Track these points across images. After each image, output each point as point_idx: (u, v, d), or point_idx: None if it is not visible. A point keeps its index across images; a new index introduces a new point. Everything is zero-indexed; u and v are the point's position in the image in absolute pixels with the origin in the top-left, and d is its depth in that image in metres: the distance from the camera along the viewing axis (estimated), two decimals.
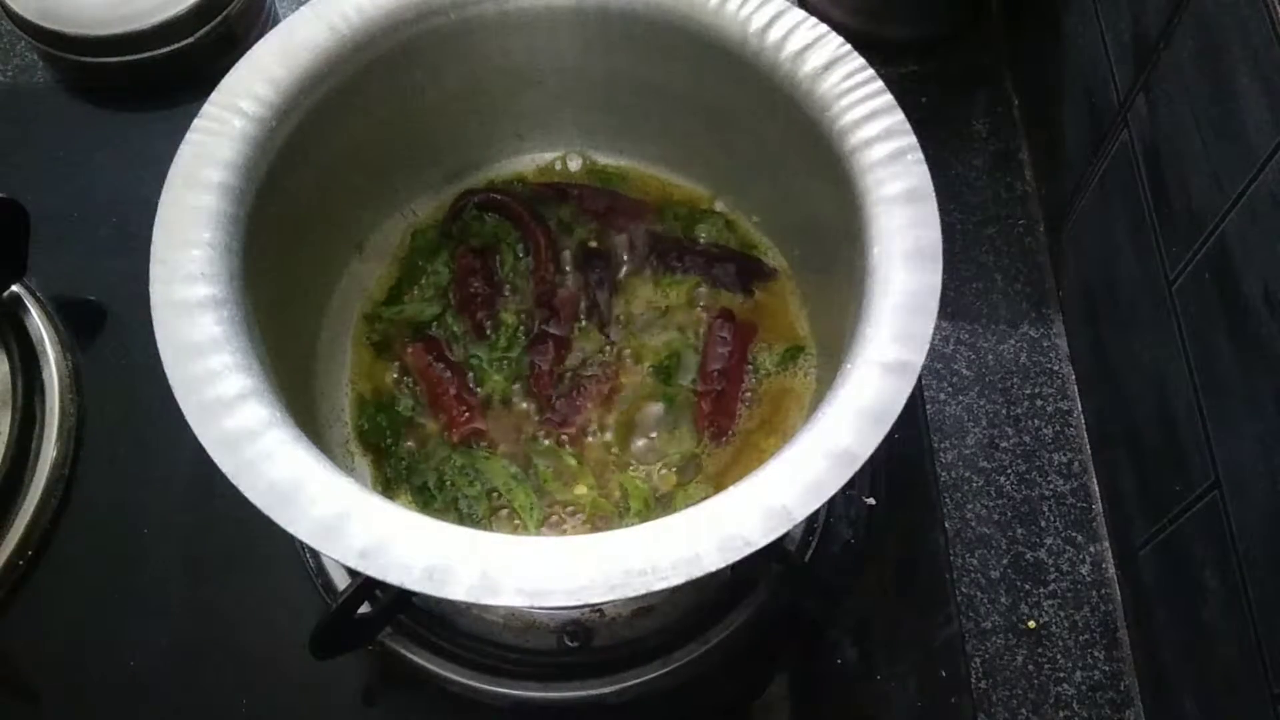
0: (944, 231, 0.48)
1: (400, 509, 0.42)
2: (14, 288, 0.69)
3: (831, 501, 0.63)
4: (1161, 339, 0.59)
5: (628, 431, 0.59)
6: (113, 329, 0.71)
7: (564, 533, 0.56)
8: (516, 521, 0.57)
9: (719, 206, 0.65)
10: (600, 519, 0.57)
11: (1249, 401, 0.50)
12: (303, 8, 0.53)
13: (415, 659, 0.60)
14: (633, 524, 0.43)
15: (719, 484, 0.58)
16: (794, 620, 0.63)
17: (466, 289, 0.63)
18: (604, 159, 0.66)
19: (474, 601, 0.40)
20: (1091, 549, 0.66)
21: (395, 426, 0.59)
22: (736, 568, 0.41)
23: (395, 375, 0.61)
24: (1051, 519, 0.67)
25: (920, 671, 0.62)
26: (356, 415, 0.60)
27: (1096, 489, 0.68)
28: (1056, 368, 0.71)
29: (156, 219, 0.47)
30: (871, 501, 0.66)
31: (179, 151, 0.49)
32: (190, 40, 0.76)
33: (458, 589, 0.40)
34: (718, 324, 0.61)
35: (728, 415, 0.59)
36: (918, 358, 0.45)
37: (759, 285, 0.63)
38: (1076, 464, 0.68)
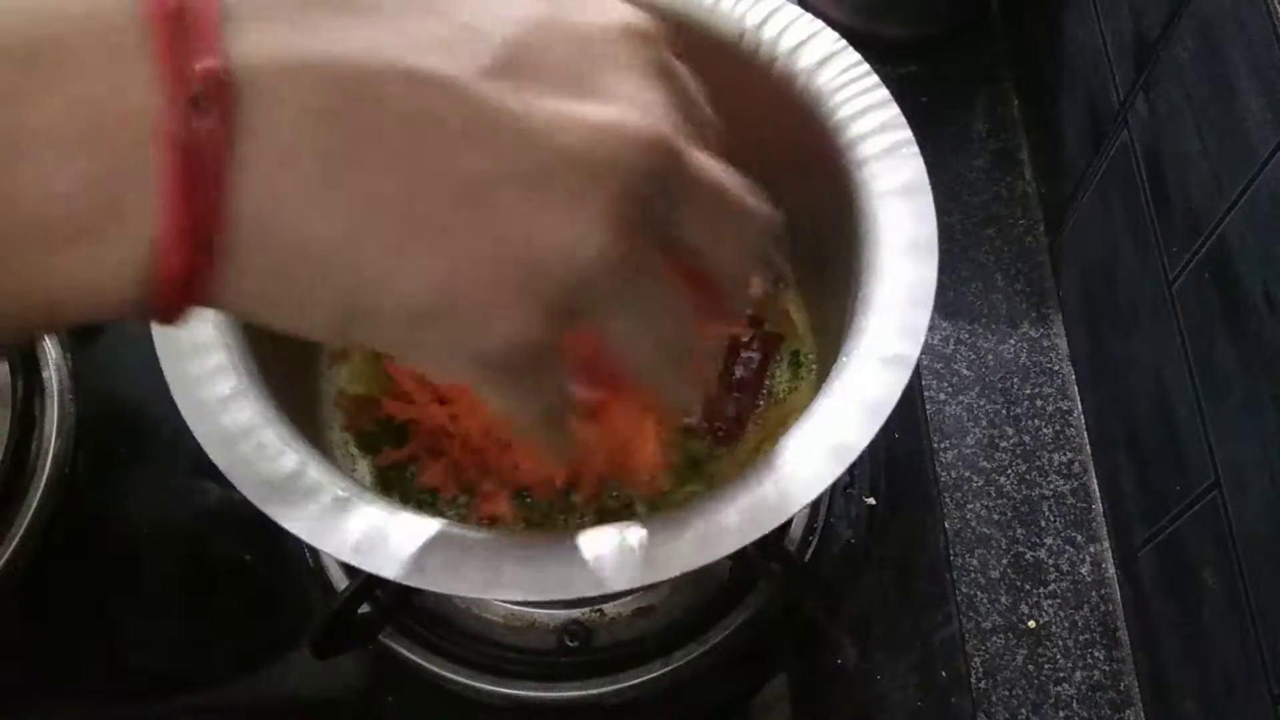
0: (944, 231, 0.47)
1: (399, 508, 0.42)
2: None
3: (831, 501, 0.63)
4: (1161, 339, 0.59)
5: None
6: (113, 329, 0.71)
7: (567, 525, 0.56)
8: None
9: None
10: (605, 517, 0.57)
11: (1249, 401, 0.50)
12: None
13: (415, 659, 0.60)
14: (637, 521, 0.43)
15: (714, 481, 0.58)
16: (794, 620, 0.63)
17: None
18: None
19: (474, 599, 0.40)
20: (1091, 549, 0.66)
21: (392, 428, 0.59)
22: (736, 568, 0.41)
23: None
24: (1051, 519, 0.67)
25: (920, 671, 0.62)
26: (356, 415, 0.60)
27: (1096, 489, 0.68)
28: (1056, 368, 0.71)
29: None
30: (871, 501, 0.66)
31: None
32: None
33: (458, 586, 0.40)
34: (745, 332, 0.61)
35: (740, 424, 0.59)
36: (914, 350, 0.44)
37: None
38: (1076, 464, 0.68)
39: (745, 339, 0.60)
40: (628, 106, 0.26)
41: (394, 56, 0.24)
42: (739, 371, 0.60)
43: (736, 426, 0.59)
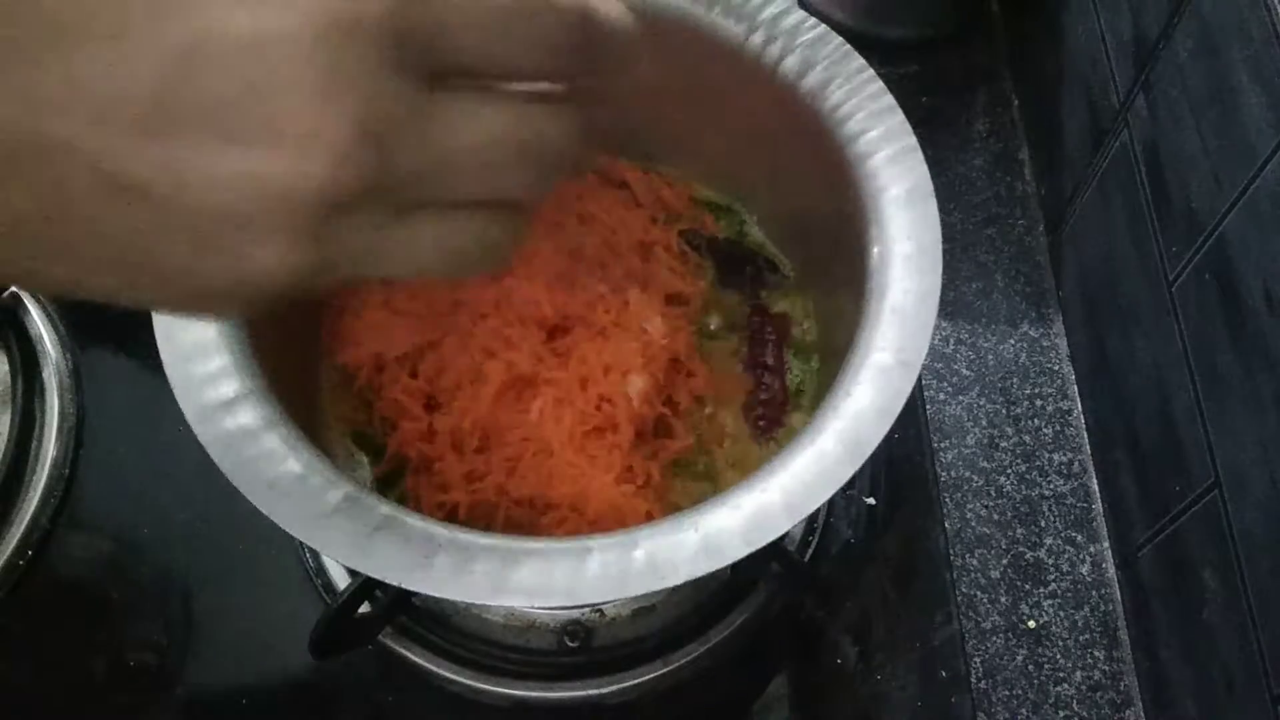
0: (944, 231, 0.48)
1: (398, 507, 0.42)
2: (14, 287, 0.69)
3: (831, 501, 0.63)
4: (1161, 339, 0.59)
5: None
6: (113, 329, 0.71)
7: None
8: None
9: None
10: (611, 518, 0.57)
11: (1249, 401, 0.50)
12: None
13: (415, 659, 0.60)
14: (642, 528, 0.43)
15: (717, 484, 0.58)
16: (794, 620, 0.63)
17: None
18: (602, 159, 0.66)
19: (474, 601, 0.40)
20: (1091, 549, 0.66)
21: (390, 430, 0.59)
22: (736, 568, 0.41)
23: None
24: (1051, 519, 0.67)
25: (920, 671, 0.62)
26: (355, 414, 0.59)
27: (1096, 489, 0.68)
28: (1056, 368, 0.71)
29: None
30: (871, 501, 0.66)
31: None
32: None
33: (458, 589, 0.40)
34: (755, 322, 0.61)
35: (778, 407, 0.59)
36: (917, 358, 0.45)
37: (766, 291, 0.63)
38: (1076, 464, 0.68)
39: (762, 327, 0.60)
40: (295, 149, 0.23)
41: (15, 122, 0.22)
42: (765, 356, 0.60)
43: (777, 410, 0.59)
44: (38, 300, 0.70)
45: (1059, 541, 0.66)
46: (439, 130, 0.26)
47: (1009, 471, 0.68)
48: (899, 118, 0.50)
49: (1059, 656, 0.63)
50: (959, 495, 0.67)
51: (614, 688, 0.60)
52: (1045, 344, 0.72)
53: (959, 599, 0.64)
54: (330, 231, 0.25)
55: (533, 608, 0.60)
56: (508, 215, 0.29)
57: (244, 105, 0.23)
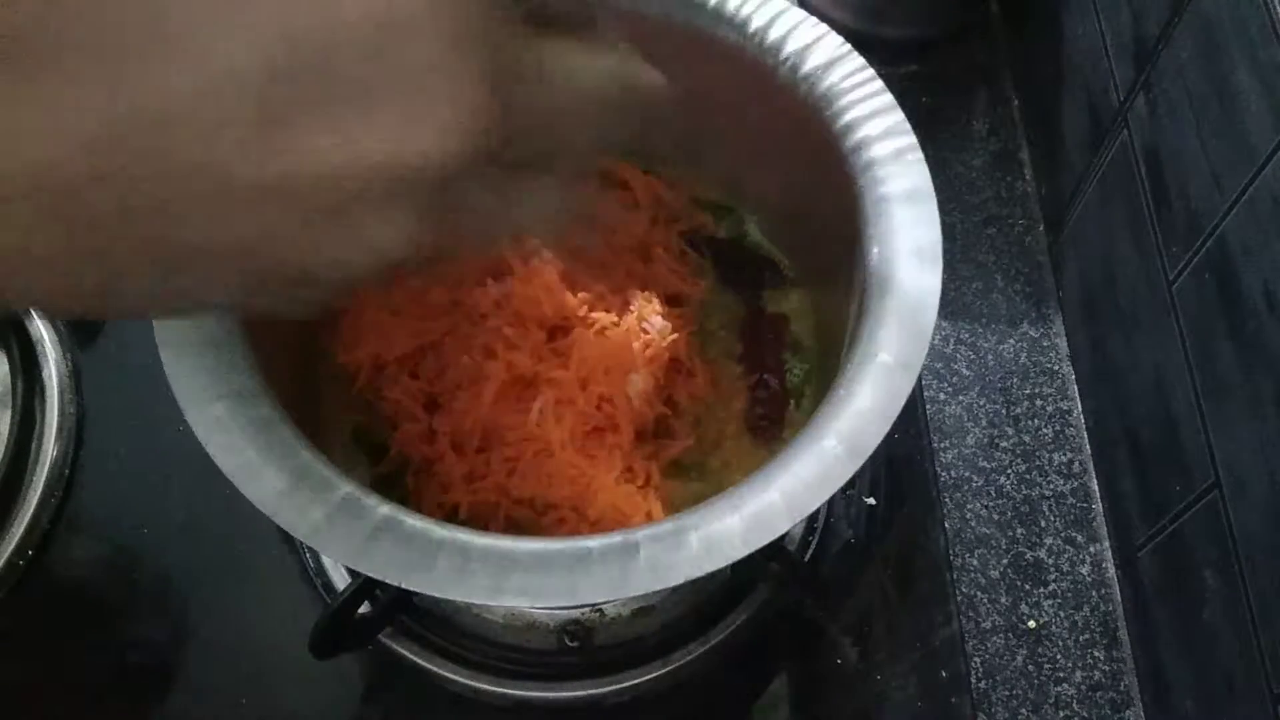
0: (944, 231, 0.48)
1: (398, 507, 0.42)
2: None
3: (831, 501, 0.63)
4: (1161, 339, 0.59)
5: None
6: (113, 329, 0.71)
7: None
8: None
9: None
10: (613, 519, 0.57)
11: (1249, 401, 0.50)
12: None
13: (415, 659, 0.60)
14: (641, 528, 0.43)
15: (717, 485, 0.58)
16: (794, 620, 0.63)
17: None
18: (601, 160, 0.66)
19: (474, 602, 0.40)
20: (1091, 549, 0.66)
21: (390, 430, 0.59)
22: (736, 568, 0.41)
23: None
24: (1051, 519, 0.67)
25: (920, 671, 0.62)
26: (355, 414, 0.59)
27: (1096, 489, 0.68)
28: (1056, 368, 0.71)
29: None
30: (871, 501, 0.66)
31: None
32: None
33: (458, 589, 0.40)
34: (755, 322, 0.61)
35: (779, 406, 0.59)
36: (918, 358, 0.45)
37: (766, 291, 0.63)
38: (1076, 464, 0.68)
39: (760, 328, 0.60)
40: (422, 128, 0.23)
41: (124, 141, 0.21)
42: (765, 356, 0.60)
43: (777, 410, 0.59)
44: None
45: (1059, 541, 0.66)
46: (553, 77, 0.26)
47: (1009, 471, 0.68)
48: (898, 116, 0.50)
49: (1059, 656, 0.63)
50: (959, 495, 0.67)
51: (614, 688, 0.60)
52: (1045, 344, 0.72)
53: (959, 599, 0.64)
54: (447, 199, 0.24)
55: (533, 608, 0.60)
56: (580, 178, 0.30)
57: (367, 89, 0.22)
